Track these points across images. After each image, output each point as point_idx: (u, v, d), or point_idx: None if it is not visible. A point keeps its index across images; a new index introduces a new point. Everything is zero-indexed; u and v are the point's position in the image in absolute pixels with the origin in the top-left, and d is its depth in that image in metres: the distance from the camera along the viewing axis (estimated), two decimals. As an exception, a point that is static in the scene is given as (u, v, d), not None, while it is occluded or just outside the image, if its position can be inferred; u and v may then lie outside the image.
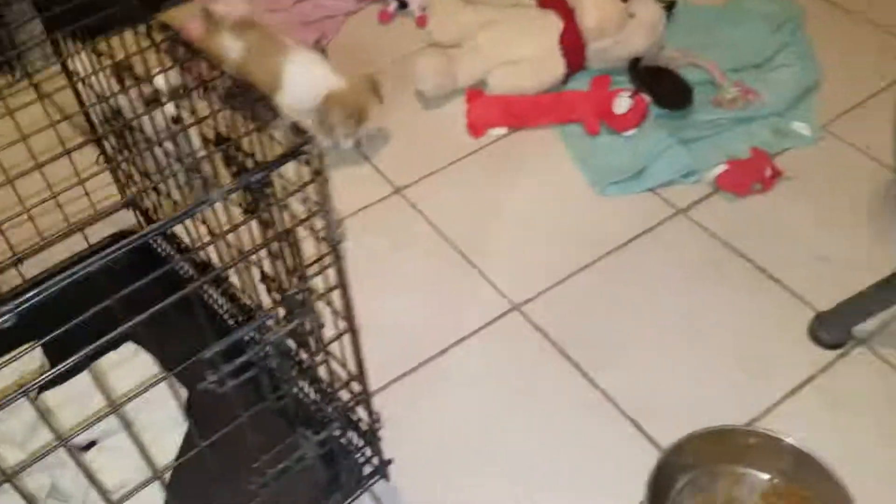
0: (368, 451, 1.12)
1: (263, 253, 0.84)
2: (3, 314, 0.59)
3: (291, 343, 0.94)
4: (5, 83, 1.79)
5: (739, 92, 1.62)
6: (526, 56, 1.71)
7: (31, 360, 1.27)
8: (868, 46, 1.79)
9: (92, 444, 1.18)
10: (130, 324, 0.62)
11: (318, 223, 0.73)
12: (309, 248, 0.83)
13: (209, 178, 0.93)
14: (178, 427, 1.20)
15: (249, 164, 0.80)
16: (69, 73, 1.29)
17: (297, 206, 0.74)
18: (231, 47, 1.59)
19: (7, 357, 0.70)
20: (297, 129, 0.68)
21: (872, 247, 1.40)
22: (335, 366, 0.94)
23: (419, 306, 1.40)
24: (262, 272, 0.91)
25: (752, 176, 1.49)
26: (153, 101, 1.16)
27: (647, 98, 1.61)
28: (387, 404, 1.26)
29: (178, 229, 1.39)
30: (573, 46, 1.69)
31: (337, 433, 0.98)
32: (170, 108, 1.16)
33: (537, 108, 1.68)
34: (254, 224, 0.82)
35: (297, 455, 0.89)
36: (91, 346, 0.63)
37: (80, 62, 1.20)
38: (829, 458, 1.04)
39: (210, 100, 0.84)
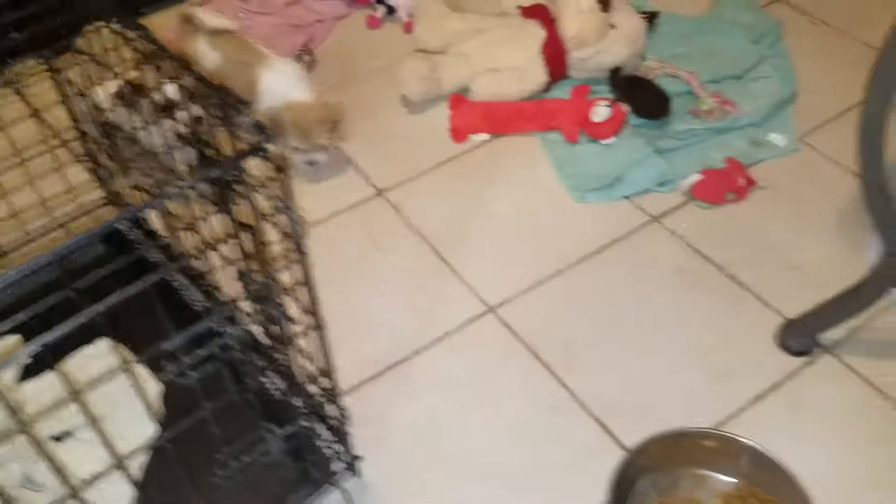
0: (337, 447, 1.13)
1: (237, 248, 0.86)
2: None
3: (263, 338, 0.96)
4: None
5: (717, 103, 1.65)
6: (509, 64, 1.73)
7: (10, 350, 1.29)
8: (846, 59, 1.81)
9: (67, 434, 1.20)
10: (94, 312, 0.64)
11: (282, 219, 0.75)
12: (277, 247, 0.85)
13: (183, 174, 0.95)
14: (153, 421, 1.22)
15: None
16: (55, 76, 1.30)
17: (265, 203, 0.77)
18: (207, 54, 1.61)
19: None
20: (259, 127, 0.71)
21: (843, 257, 1.42)
22: (304, 361, 0.96)
23: (396, 307, 1.42)
24: (239, 270, 0.93)
25: (725, 185, 1.52)
26: (165, 109, 1.18)
27: (625, 107, 1.64)
28: (361, 402, 1.28)
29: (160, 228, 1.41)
30: (555, 56, 1.72)
31: (305, 428, 1.00)
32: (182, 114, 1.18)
33: (519, 115, 1.71)
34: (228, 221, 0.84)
35: (263, 449, 0.91)
36: (53, 335, 0.65)
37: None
38: (791, 464, 1.06)
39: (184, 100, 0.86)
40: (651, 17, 1.84)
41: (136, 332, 0.82)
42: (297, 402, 1.02)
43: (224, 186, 0.73)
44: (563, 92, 1.74)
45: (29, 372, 1.29)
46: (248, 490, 1.02)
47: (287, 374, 0.99)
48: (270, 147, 0.68)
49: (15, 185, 1.36)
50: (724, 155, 1.57)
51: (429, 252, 1.51)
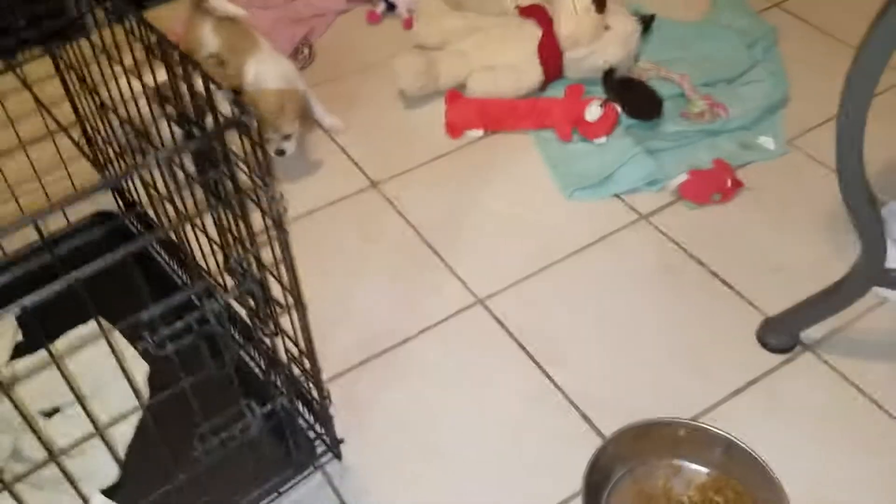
0: (319, 430, 1.16)
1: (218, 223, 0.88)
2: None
3: (244, 314, 0.98)
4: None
5: (708, 105, 1.67)
6: (505, 62, 1.76)
7: (4, 328, 1.32)
8: (840, 66, 1.81)
9: (56, 410, 1.22)
10: (72, 278, 0.66)
11: (261, 195, 0.77)
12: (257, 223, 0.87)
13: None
14: (141, 399, 1.25)
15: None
16: (56, 63, 1.33)
17: (244, 179, 0.79)
18: (209, 40, 1.64)
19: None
20: (238, 102, 0.73)
21: (826, 258, 1.44)
22: (285, 340, 0.98)
23: (386, 296, 1.45)
24: (219, 245, 0.95)
25: (712, 186, 1.54)
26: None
27: (618, 108, 1.66)
28: (347, 389, 1.31)
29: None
30: (550, 55, 1.75)
31: (286, 408, 1.02)
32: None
33: (514, 112, 1.73)
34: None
35: (242, 426, 0.93)
36: (32, 299, 0.67)
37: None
38: (767, 459, 1.08)
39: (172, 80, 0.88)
40: (647, 21, 1.86)
41: (120, 307, 0.84)
42: (278, 380, 1.04)
43: (204, 159, 0.75)
44: (557, 91, 1.76)
45: (20, 351, 1.32)
46: (227, 469, 1.04)
47: (267, 352, 1.01)
48: (248, 121, 0.70)
49: (16, 168, 1.40)
50: (713, 156, 1.60)
51: (420, 244, 1.53)
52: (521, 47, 1.76)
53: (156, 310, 0.79)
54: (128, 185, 1.45)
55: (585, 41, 1.71)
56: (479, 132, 1.73)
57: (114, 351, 0.82)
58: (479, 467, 1.20)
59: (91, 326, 1.30)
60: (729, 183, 1.54)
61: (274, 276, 0.88)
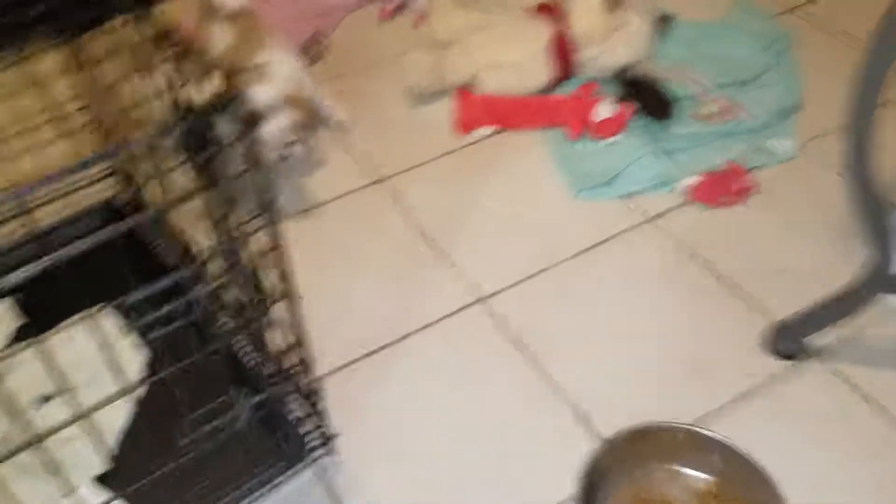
0: (312, 424, 1.14)
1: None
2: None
3: (235, 301, 0.97)
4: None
5: (720, 107, 1.65)
6: (514, 60, 1.74)
7: (5, 311, 1.33)
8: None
9: (48, 398, 1.22)
10: (60, 256, 0.65)
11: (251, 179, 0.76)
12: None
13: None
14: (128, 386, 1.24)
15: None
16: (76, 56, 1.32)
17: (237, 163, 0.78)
18: (219, 39, 1.62)
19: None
20: (227, 85, 0.72)
21: (835, 264, 1.41)
22: (277, 330, 0.97)
23: (387, 292, 1.43)
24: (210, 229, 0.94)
25: (723, 188, 1.51)
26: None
27: (629, 107, 1.64)
28: (345, 383, 1.29)
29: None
30: (561, 53, 1.73)
31: (276, 400, 1.01)
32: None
33: (523, 110, 1.71)
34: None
35: (230, 416, 0.92)
36: (19, 276, 0.66)
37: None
38: (769, 466, 1.05)
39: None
40: (665, 21, 1.84)
41: (112, 290, 0.84)
42: (268, 370, 1.03)
43: (196, 139, 0.74)
44: (568, 90, 1.74)
45: (19, 337, 1.32)
46: (219, 459, 1.03)
47: (258, 341, 1.00)
48: (239, 103, 0.69)
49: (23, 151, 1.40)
50: (724, 159, 1.57)
51: (423, 241, 1.52)
52: (531, 45, 1.74)
53: (138, 294, 0.78)
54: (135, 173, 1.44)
55: (599, 39, 1.69)
56: (489, 129, 1.72)
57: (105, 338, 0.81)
58: (474, 467, 1.18)
59: (90, 312, 1.29)
60: (741, 186, 1.51)
61: (258, 265, 0.86)
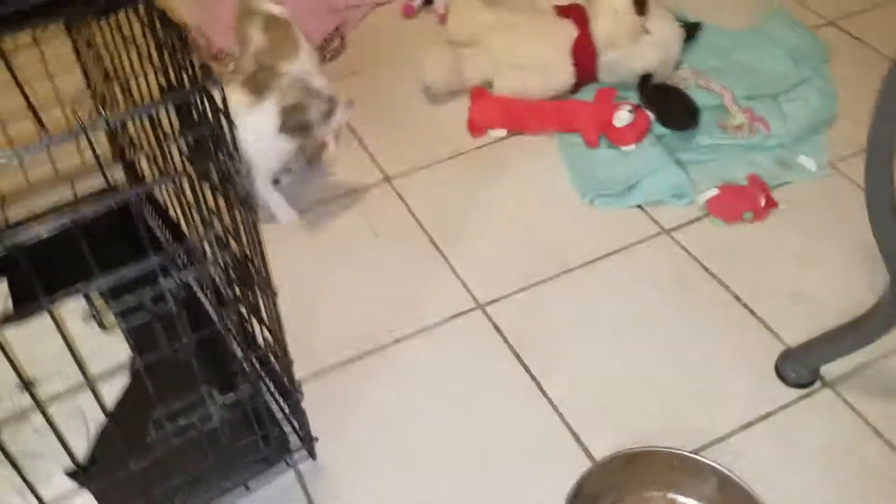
0: (292, 425, 1.10)
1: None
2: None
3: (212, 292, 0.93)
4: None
5: (747, 119, 1.58)
6: (535, 61, 1.69)
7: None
8: None
9: (32, 384, 1.19)
10: (49, 228, 0.62)
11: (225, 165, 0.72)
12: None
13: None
14: (121, 379, 1.21)
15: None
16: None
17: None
18: (255, 39, 1.58)
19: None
20: (206, 69, 0.68)
21: (856, 290, 1.34)
22: (256, 328, 0.93)
23: (385, 293, 1.39)
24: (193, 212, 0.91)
25: (744, 204, 1.44)
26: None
27: (650, 115, 1.58)
28: (332, 385, 1.25)
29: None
30: (584, 56, 1.67)
31: (254, 398, 0.97)
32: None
33: (539, 113, 1.66)
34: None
35: (201, 415, 0.89)
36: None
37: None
38: (772, 498, 0.99)
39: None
40: (692, 28, 1.78)
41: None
42: (245, 368, 0.99)
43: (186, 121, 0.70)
44: (589, 94, 1.69)
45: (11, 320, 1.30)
46: (194, 457, 1.00)
47: (239, 336, 0.96)
48: (211, 86, 0.66)
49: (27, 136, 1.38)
50: (748, 172, 1.50)
51: (426, 243, 1.47)
52: (554, 46, 1.68)
53: (104, 282, 0.75)
54: (137, 161, 1.42)
55: (622, 43, 1.63)
56: (502, 132, 1.67)
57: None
58: (458, 479, 1.13)
59: (79, 300, 1.27)
60: (763, 202, 1.44)
61: (238, 257, 0.83)
